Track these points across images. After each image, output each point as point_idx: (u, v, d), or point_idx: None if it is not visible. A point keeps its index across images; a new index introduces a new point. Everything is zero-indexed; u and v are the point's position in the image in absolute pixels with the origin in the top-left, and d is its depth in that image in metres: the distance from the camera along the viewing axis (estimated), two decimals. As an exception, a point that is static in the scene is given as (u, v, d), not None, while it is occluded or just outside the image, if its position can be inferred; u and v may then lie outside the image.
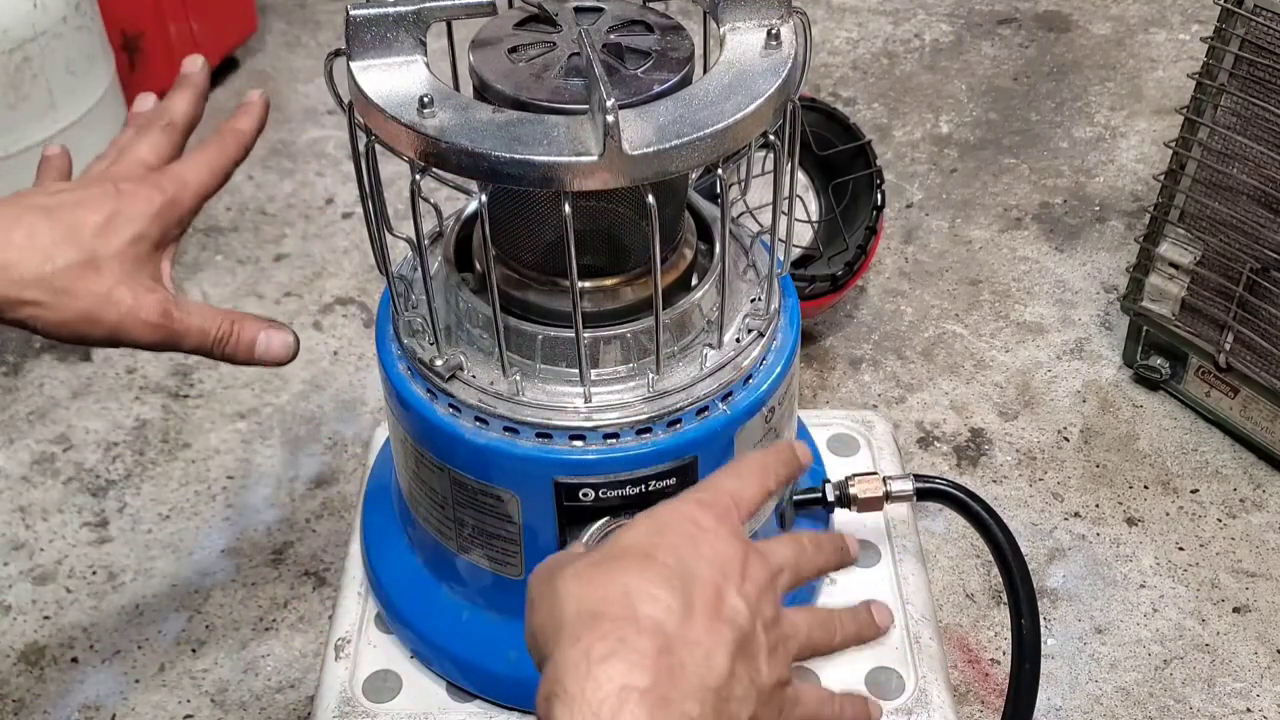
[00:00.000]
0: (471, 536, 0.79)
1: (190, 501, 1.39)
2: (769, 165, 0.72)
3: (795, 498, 0.86)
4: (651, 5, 0.76)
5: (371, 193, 0.72)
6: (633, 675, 0.52)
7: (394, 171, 0.74)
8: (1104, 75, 2.03)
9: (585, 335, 0.70)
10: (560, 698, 0.52)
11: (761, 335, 0.77)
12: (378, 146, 0.68)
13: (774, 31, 0.69)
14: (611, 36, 0.71)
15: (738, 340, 0.76)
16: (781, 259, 0.79)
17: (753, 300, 0.79)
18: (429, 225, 0.77)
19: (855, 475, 0.86)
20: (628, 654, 0.53)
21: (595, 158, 0.62)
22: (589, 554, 0.60)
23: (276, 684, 1.22)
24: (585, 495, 0.73)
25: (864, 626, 0.67)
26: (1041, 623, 0.86)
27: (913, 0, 2.23)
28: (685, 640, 0.54)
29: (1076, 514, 1.36)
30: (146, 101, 0.80)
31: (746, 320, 0.77)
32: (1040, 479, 1.40)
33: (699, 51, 0.73)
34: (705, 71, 0.69)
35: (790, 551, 0.63)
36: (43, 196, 0.71)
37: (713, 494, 0.63)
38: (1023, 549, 0.85)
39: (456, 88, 0.71)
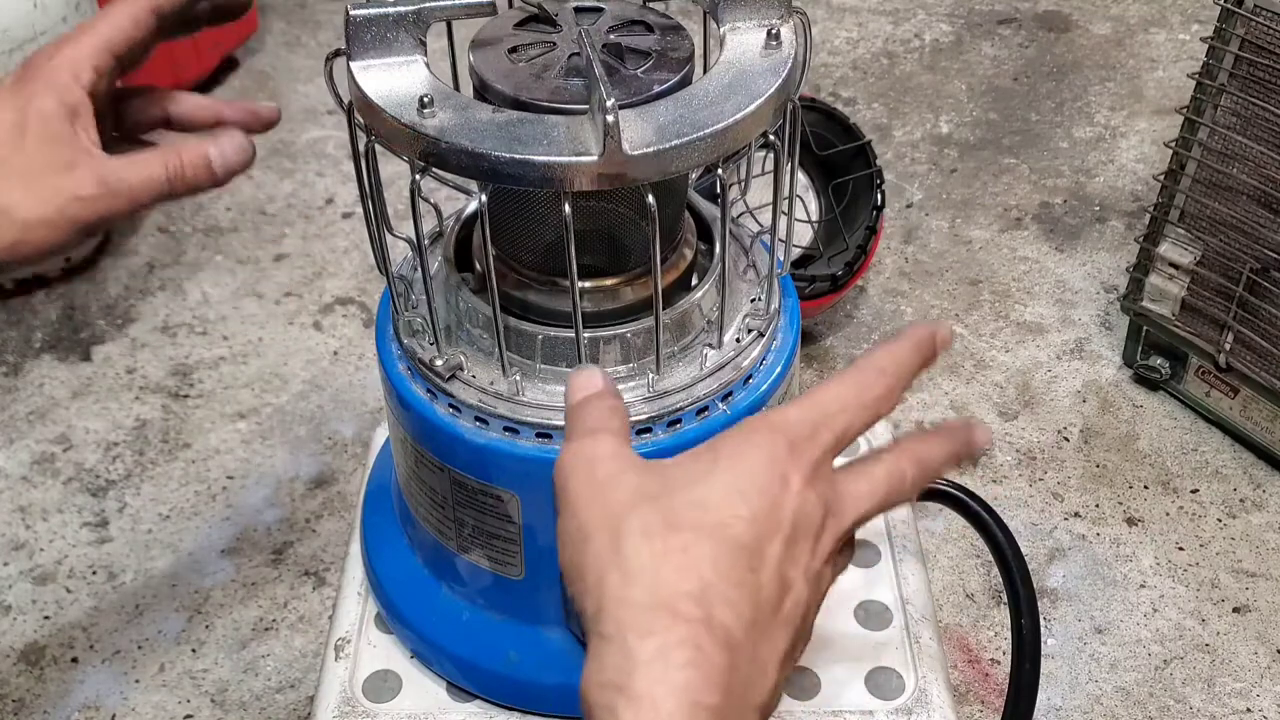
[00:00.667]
0: (471, 536, 0.79)
1: (190, 501, 1.39)
2: (769, 165, 0.72)
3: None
4: (651, 5, 0.76)
5: (371, 193, 0.72)
6: (706, 691, 0.50)
7: (394, 171, 0.74)
8: (1104, 75, 2.03)
9: (585, 335, 0.70)
10: (627, 693, 0.50)
11: (761, 335, 0.77)
12: (378, 146, 0.68)
13: (774, 31, 0.69)
14: (611, 36, 0.71)
15: (738, 340, 0.76)
16: (781, 259, 0.79)
17: (753, 300, 0.79)
18: (429, 225, 0.77)
19: (855, 475, 0.86)
20: (704, 665, 0.50)
21: (595, 158, 0.62)
22: (655, 499, 0.54)
23: (276, 684, 1.22)
24: (585, 495, 0.73)
25: (961, 447, 0.60)
26: (1041, 623, 0.86)
27: (913, 0, 2.23)
28: (747, 655, 0.52)
29: (1076, 514, 1.36)
30: None
31: (746, 320, 0.77)
32: (1040, 479, 1.40)
33: (699, 51, 0.73)
34: (705, 71, 0.69)
35: (881, 493, 0.57)
36: None
37: (811, 430, 0.56)
38: (1023, 549, 0.85)
39: (456, 88, 0.71)
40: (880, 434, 1.03)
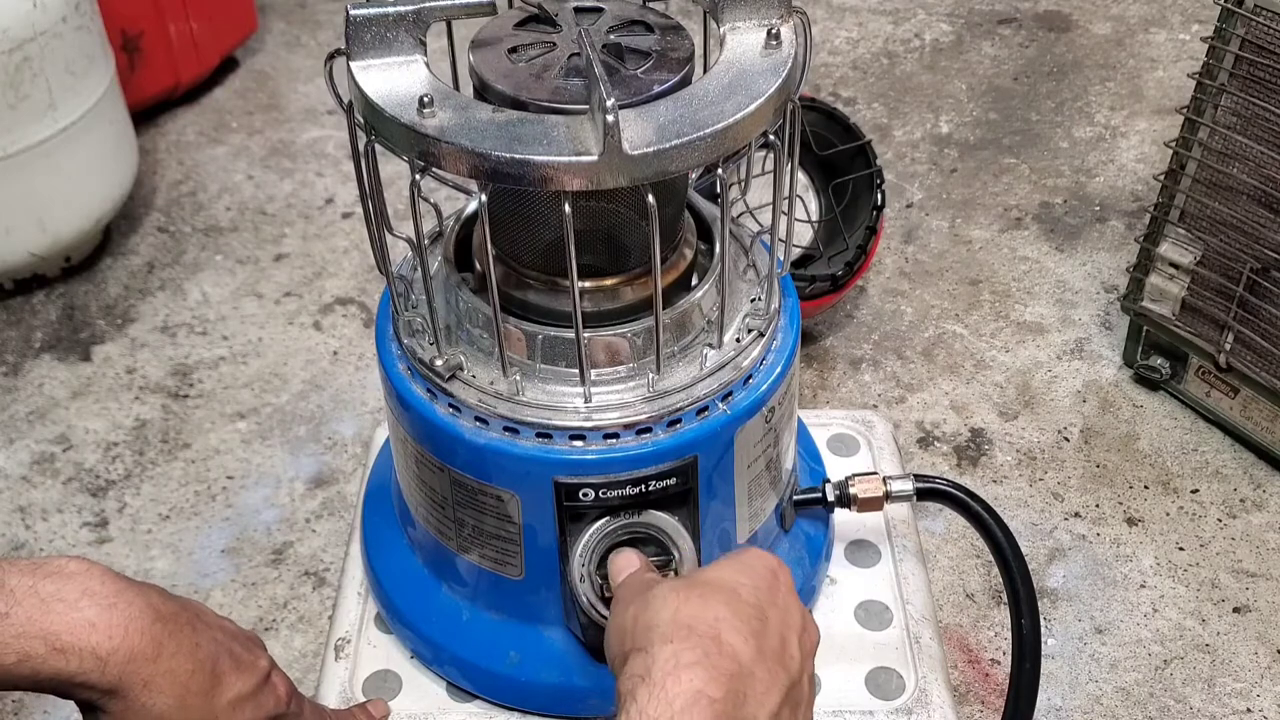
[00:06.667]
0: (471, 536, 0.79)
1: (190, 501, 1.39)
2: (769, 165, 0.72)
3: (795, 498, 0.86)
4: (651, 5, 0.76)
5: (372, 193, 0.72)
6: (710, 685, 0.59)
7: (394, 171, 0.74)
8: (1104, 75, 2.03)
9: (585, 335, 0.71)
10: (645, 682, 0.59)
11: (761, 335, 0.77)
12: (378, 146, 0.68)
13: (774, 31, 0.69)
14: (611, 37, 0.71)
15: (738, 340, 0.76)
16: (781, 259, 0.79)
17: (753, 300, 0.79)
18: (429, 225, 0.77)
19: (855, 475, 0.87)
20: (710, 666, 0.60)
21: (595, 158, 0.62)
22: (683, 577, 0.69)
23: (276, 684, 1.22)
24: (585, 495, 0.73)
25: None
26: (1041, 623, 0.86)
27: (913, 0, 2.23)
28: (753, 674, 0.62)
29: (1076, 514, 1.36)
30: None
31: (746, 320, 0.77)
32: (1040, 479, 1.40)
33: (699, 51, 0.73)
34: (705, 71, 0.70)
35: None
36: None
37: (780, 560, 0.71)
38: (1023, 549, 0.85)
39: (456, 88, 0.71)
40: (881, 433, 1.03)
